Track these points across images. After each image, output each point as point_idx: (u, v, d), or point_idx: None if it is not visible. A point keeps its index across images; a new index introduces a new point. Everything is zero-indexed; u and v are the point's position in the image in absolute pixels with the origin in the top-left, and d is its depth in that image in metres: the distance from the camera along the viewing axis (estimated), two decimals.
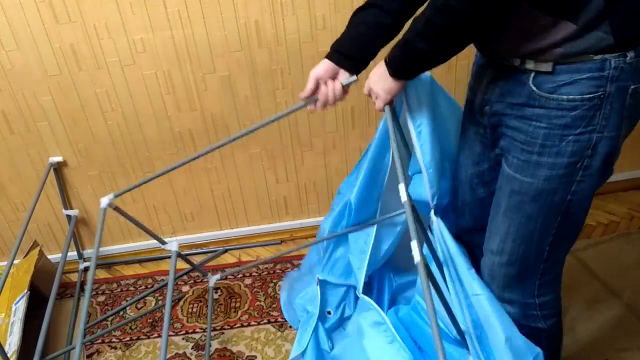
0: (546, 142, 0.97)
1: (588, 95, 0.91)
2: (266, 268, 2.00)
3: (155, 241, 2.09)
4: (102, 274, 2.07)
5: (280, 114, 1.31)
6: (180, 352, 1.73)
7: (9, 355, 1.56)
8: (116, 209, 1.41)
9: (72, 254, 2.06)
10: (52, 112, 1.77)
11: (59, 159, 1.87)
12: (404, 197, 0.96)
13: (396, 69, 1.06)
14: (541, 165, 0.99)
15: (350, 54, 1.16)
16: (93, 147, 1.86)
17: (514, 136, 1.02)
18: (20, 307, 1.68)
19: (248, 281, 1.96)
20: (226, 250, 2.11)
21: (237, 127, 1.86)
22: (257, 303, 1.87)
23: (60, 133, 1.82)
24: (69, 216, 1.98)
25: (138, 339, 1.79)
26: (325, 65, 1.17)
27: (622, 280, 1.76)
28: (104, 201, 1.38)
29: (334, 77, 1.18)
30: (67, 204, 1.97)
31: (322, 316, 1.60)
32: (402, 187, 0.97)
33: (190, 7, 1.63)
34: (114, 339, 1.80)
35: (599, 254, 1.86)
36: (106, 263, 2.10)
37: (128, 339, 1.79)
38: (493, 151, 1.15)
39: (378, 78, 1.11)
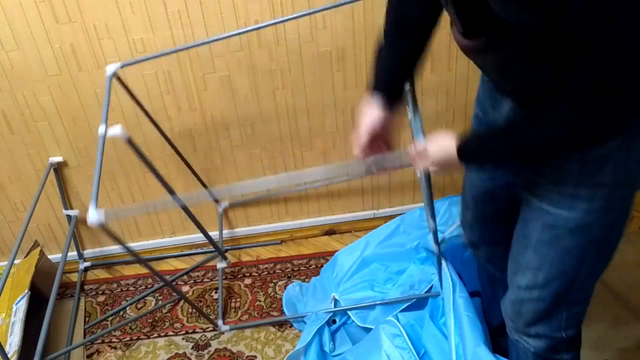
0: (583, 172, 0.91)
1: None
2: (266, 268, 2.00)
3: (155, 241, 2.11)
4: (102, 274, 2.07)
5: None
6: (180, 352, 1.73)
7: (9, 355, 1.56)
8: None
9: (72, 254, 2.06)
10: (52, 112, 1.77)
11: (59, 159, 1.87)
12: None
13: (469, 162, 0.97)
14: (578, 197, 0.93)
15: (394, 85, 1.06)
16: (93, 147, 1.86)
17: (542, 171, 0.96)
18: (20, 307, 1.68)
19: (248, 281, 1.96)
20: (226, 250, 2.11)
21: (237, 127, 1.86)
22: (257, 303, 1.87)
23: (60, 133, 1.82)
24: (69, 216, 1.98)
25: (138, 339, 1.79)
26: (377, 113, 1.04)
27: (622, 280, 1.75)
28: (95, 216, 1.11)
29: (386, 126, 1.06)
30: (67, 204, 1.97)
31: (328, 322, 1.62)
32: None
33: (190, 7, 1.63)
34: (114, 339, 1.80)
35: None
36: (106, 263, 2.10)
37: (128, 339, 1.79)
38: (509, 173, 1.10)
39: (443, 154, 0.96)
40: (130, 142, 1.28)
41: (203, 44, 1.63)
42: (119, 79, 1.48)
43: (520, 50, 0.81)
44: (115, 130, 1.21)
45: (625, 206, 0.95)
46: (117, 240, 1.14)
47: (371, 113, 1.04)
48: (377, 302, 1.60)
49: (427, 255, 1.65)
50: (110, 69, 1.34)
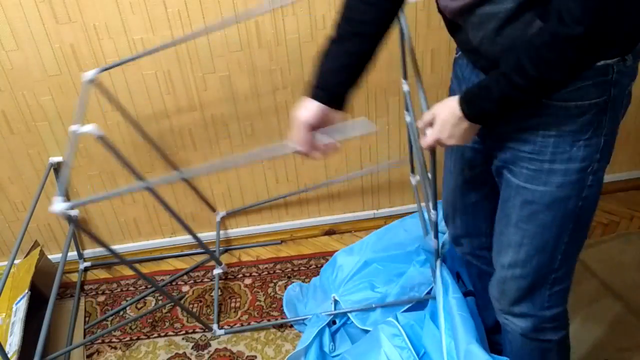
0: (557, 149, 0.96)
1: (595, 101, 0.91)
2: (266, 268, 2.00)
3: (155, 241, 2.11)
4: (102, 274, 2.07)
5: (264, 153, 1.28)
6: (180, 352, 1.73)
7: (9, 355, 1.56)
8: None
9: (72, 254, 2.06)
10: (52, 112, 1.77)
11: (59, 159, 1.87)
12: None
13: (473, 110, 0.94)
14: (554, 172, 0.97)
15: (338, 90, 1.03)
16: (93, 147, 1.86)
17: (519, 147, 0.99)
18: (21, 307, 1.68)
19: (248, 281, 1.96)
20: (226, 250, 2.11)
21: (237, 127, 1.86)
22: (257, 303, 1.87)
23: (60, 133, 1.82)
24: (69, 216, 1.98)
25: (138, 339, 1.79)
26: (315, 109, 1.02)
27: (622, 280, 1.76)
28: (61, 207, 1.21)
29: (323, 121, 1.03)
30: None
31: (328, 323, 1.63)
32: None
33: (190, 7, 1.62)
34: (114, 339, 1.80)
35: (599, 254, 1.86)
36: (106, 263, 2.09)
37: (128, 339, 1.79)
38: (488, 160, 1.12)
39: (450, 116, 0.97)
40: (102, 139, 1.35)
41: (169, 45, 1.58)
42: (99, 84, 1.50)
43: None
44: (88, 127, 1.29)
45: (597, 179, 0.99)
46: (93, 237, 1.18)
47: (310, 106, 1.02)
48: (377, 305, 1.60)
49: (427, 258, 1.66)
50: (88, 75, 1.37)
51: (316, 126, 1.03)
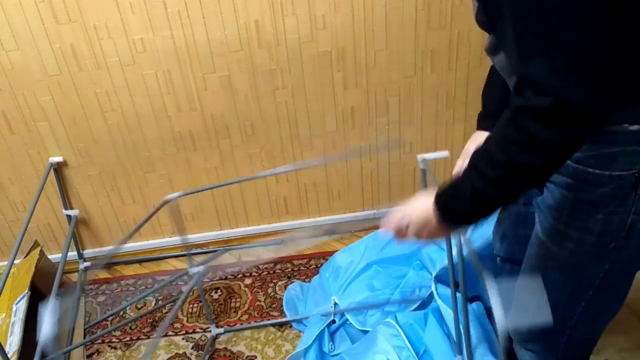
0: (574, 214, 0.84)
1: (618, 173, 0.77)
2: (266, 268, 2.00)
3: (155, 241, 2.11)
4: (102, 274, 2.07)
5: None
6: (180, 352, 1.73)
7: (9, 355, 1.56)
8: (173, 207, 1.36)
9: (72, 254, 2.06)
10: (52, 112, 1.77)
11: (59, 159, 1.87)
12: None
13: (447, 211, 0.83)
14: (569, 237, 0.87)
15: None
16: (93, 147, 1.86)
17: (545, 197, 0.90)
18: (21, 307, 1.68)
19: (248, 281, 1.96)
20: (226, 250, 2.10)
21: (237, 127, 1.86)
22: (257, 303, 1.87)
23: (60, 133, 1.82)
24: (69, 216, 1.98)
25: (138, 339, 1.79)
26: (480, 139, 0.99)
27: None
28: (171, 197, 1.30)
29: None
30: (67, 204, 1.97)
31: (327, 323, 1.63)
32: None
33: (190, 7, 1.62)
34: (114, 339, 1.80)
35: None
36: (106, 263, 2.09)
37: (128, 339, 1.79)
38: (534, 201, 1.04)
39: (425, 222, 0.86)
40: None
41: None
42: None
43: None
44: None
45: (623, 258, 0.86)
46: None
47: (476, 138, 1.03)
48: (376, 304, 1.60)
49: (424, 263, 1.66)
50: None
51: None
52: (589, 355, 1.12)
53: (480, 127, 1.05)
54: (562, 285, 0.93)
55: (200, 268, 1.54)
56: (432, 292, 1.56)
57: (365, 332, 1.58)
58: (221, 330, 1.75)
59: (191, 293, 1.93)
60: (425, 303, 1.57)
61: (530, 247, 1.01)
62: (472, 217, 0.81)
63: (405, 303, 1.58)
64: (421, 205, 0.86)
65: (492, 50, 0.87)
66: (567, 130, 0.66)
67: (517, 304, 0.93)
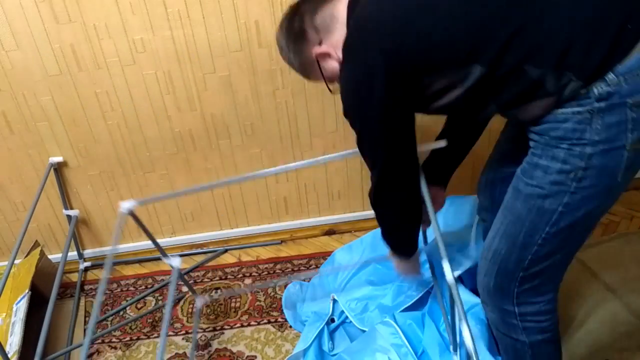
0: (546, 147, 0.99)
1: (577, 109, 0.93)
2: (266, 268, 2.00)
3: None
4: (102, 274, 2.07)
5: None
6: (180, 352, 1.73)
7: (9, 355, 1.57)
8: (132, 214, 1.32)
9: (72, 254, 2.06)
10: (52, 112, 1.77)
11: (59, 159, 1.87)
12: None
13: (396, 253, 1.35)
14: (538, 167, 1.00)
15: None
16: (93, 147, 1.86)
17: (530, 142, 1.04)
18: (21, 308, 1.68)
19: (248, 281, 1.96)
20: (226, 250, 2.11)
21: (237, 127, 1.86)
22: (257, 303, 1.87)
23: (60, 133, 1.82)
24: (69, 216, 1.98)
25: (138, 339, 1.79)
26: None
27: (622, 280, 1.75)
28: (125, 205, 1.29)
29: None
30: (67, 204, 1.97)
31: (327, 321, 1.63)
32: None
33: (190, 7, 1.63)
34: (114, 339, 1.80)
35: (599, 254, 1.86)
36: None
37: (128, 339, 1.80)
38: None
39: (399, 266, 1.40)
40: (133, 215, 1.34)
41: None
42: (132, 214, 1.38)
43: None
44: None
45: (580, 190, 0.98)
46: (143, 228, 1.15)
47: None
48: (376, 303, 1.60)
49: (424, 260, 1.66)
50: (125, 205, 1.31)
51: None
52: (551, 302, 1.16)
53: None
54: (524, 217, 1.04)
55: (178, 260, 1.53)
56: (431, 288, 1.56)
57: (364, 330, 1.58)
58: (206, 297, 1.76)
59: (191, 293, 1.94)
60: (424, 301, 1.57)
61: (507, 193, 1.11)
62: (397, 250, 1.34)
63: (404, 297, 1.57)
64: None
65: None
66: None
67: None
